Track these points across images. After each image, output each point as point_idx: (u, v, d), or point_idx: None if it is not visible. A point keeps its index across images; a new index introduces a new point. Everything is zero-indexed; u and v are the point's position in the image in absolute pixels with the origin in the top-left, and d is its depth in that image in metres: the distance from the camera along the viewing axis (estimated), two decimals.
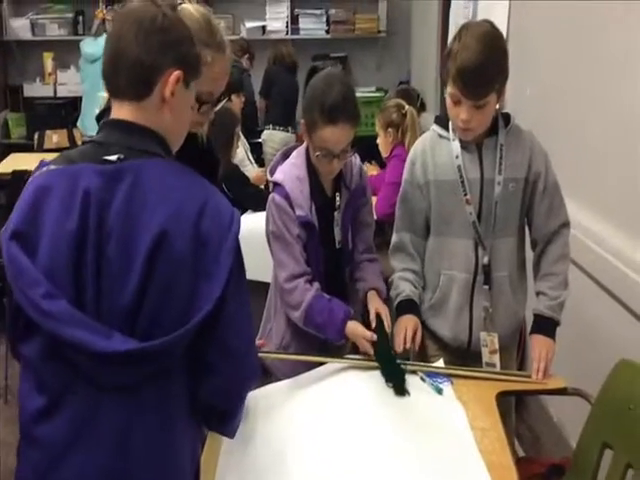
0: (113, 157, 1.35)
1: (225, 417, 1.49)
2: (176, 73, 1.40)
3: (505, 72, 2.09)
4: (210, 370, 1.39)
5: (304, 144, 2.26)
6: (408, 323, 2.20)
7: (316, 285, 2.20)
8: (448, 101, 2.11)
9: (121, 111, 1.41)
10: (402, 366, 2.09)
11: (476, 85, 2.02)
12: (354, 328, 2.16)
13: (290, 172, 2.22)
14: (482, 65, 2.00)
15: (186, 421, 1.41)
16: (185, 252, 1.30)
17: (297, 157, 2.26)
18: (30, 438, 1.37)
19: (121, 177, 1.33)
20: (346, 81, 2.23)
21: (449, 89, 2.08)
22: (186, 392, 1.39)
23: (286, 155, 2.32)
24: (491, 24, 2.11)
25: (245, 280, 1.41)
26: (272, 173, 2.28)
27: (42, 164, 1.40)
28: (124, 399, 1.33)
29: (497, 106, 2.14)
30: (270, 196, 2.23)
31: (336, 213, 2.27)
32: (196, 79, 1.48)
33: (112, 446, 1.33)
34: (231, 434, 1.54)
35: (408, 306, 2.26)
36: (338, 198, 2.27)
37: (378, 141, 4.02)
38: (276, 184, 2.22)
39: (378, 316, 2.20)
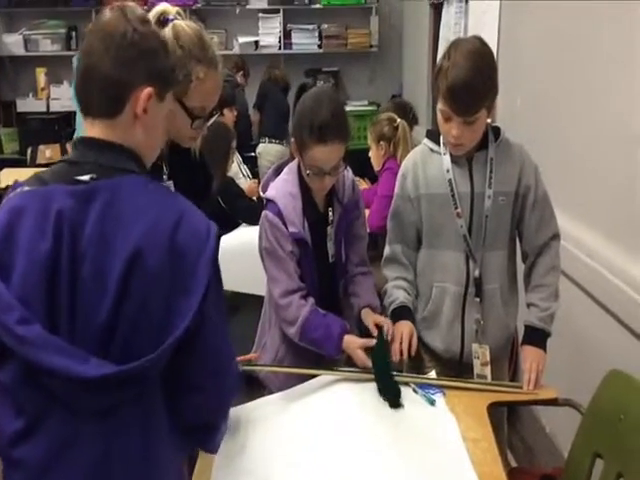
0: (85, 177, 1.34)
1: (208, 433, 1.47)
2: (147, 90, 1.38)
3: (495, 88, 2.11)
4: (191, 387, 1.38)
5: (296, 160, 2.25)
6: (403, 329, 2.20)
7: (311, 300, 2.20)
8: (439, 117, 2.13)
9: (93, 129, 1.39)
10: (397, 380, 2.09)
11: (466, 102, 2.04)
12: (351, 341, 2.16)
13: (282, 188, 2.22)
14: (472, 83, 2.01)
15: (168, 439, 1.39)
16: (161, 267, 1.29)
17: (289, 173, 2.25)
18: (11, 460, 1.35)
19: (94, 197, 1.31)
20: (335, 98, 2.22)
21: (440, 106, 2.10)
22: (165, 409, 1.37)
23: (278, 171, 2.32)
24: (480, 40, 2.13)
25: (222, 293, 1.40)
26: (264, 189, 2.28)
27: (16, 185, 1.38)
28: (103, 423, 1.31)
29: (488, 119, 2.17)
30: (263, 213, 2.23)
31: (329, 228, 2.27)
32: (171, 91, 1.47)
33: (92, 470, 1.31)
34: (214, 450, 1.53)
35: (402, 312, 2.26)
36: (331, 213, 2.27)
37: (370, 154, 4.03)
38: (268, 201, 2.22)
39: (379, 328, 2.20)
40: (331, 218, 2.27)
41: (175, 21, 1.85)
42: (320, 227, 2.26)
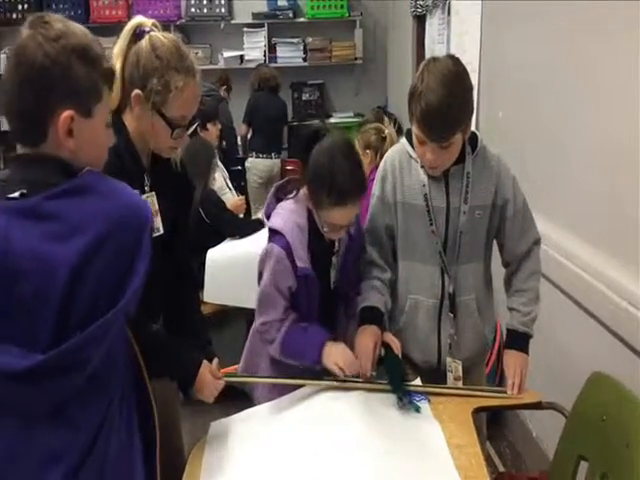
0: (16, 194, 1.32)
1: None
2: (66, 114, 1.34)
3: (469, 111, 2.08)
4: None
5: (303, 190, 2.15)
6: (368, 340, 2.14)
7: (291, 317, 2.17)
8: (414, 139, 2.11)
9: (24, 149, 1.38)
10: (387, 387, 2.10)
11: (439, 129, 2.01)
12: (330, 353, 2.12)
13: (290, 219, 2.14)
14: (445, 109, 1.97)
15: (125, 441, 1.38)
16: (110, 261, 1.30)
17: (297, 202, 2.17)
18: None
19: (25, 214, 1.30)
20: (352, 153, 2.10)
21: (414, 129, 2.07)
22: (127, 415, 1.37)
23: (278, 194, 2.25)
24: (453, 60, 2.08)
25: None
26: (267, 215, 2.21)
27: None
28: (54, 424, 1.29)
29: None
30: (269, 245, 2.14)
31: (334, 257, 2.22)
32: (99, 103, 1.40)
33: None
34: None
35: (370, 314, 2.22)
36: (337, 243, 2.22)
37: None
38: (275, 232, 2.13)
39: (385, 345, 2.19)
40: (337, 248, 2.23)
41: (152, 32, 1.87)
42: (325, 256, 2.21)
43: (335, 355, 2.11)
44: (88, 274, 1.28)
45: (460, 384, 2.24)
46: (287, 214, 2.15)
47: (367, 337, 2.16)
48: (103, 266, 1.29)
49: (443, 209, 2.16)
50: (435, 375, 2.28)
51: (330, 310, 2.29)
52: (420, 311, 2.25)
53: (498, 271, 2.33)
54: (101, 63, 1.40)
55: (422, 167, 2.17)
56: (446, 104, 1.97)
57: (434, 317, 2.24)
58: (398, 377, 2.11)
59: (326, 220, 2.09)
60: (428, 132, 2.03)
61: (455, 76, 2.03)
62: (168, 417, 2.28)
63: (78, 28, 1.39)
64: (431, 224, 2.16)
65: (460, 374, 2.24)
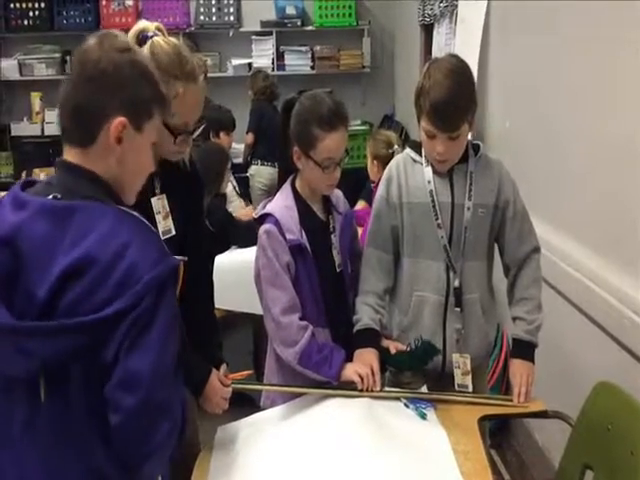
0: (49, 197, 1.37)
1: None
2: (119, 120, 1.38)
3: (474, 102, 2.18)
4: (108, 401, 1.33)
5: (289, 180, 2.26)
6: (368, 356, 2.19)
7: (310, 325, 2.17)
8: (422, 136, 2.18)
9: (69, 153, 1.42)
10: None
11: (450, 119, 2.10)
12: (347, 365, 2.15)
13: (277, 203, 2.23)
14: (454, 100, 2.08)
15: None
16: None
17: (282, 191, 2.26)
18: None
19: (46, 213, 1.34)
20: (327, 92, 2.28)
21: (423, 125, 2.15)
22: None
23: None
24: (457, 58, 2.22)
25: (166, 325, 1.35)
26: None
27: (25, 181, 1.45)
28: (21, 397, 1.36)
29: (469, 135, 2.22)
30: (260, 229, 2.19)
31: (333, 236, 2.27)
32: (150, 121, 1.45)
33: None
34: None
35: (366, 336, 2.25)
36: (332, 221, 2.28)
37: (367, 163, 4.14)
38: (265, 215, 2.20)
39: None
40: (332, 225, 2.28)
41: (154, 38, 1.85)
42: (323, 235, 2.25)
43: (355, 365, 2.16)
44: (74, 285, 1.30)
45: (469, 379, 2.24)
46: (274, 201, 2.25)
47: (366, 354, 2.20)
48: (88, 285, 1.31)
49: (448, 205, 2.22)
50: (439, 378, 2.28)
51: (340, 296, 2.31)
52: (425, 308, 2.27)
53: (500, 280, 2.34)
54: (159, 87, 1.47)
55: (427, 166, 2.23)
56: (454, 94, 2.09)
57: (439, 314, 2.26)
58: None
59: (321, 156, 2.14)
60: (440, 123, 2.11)
61: (460, 70, 2.16)
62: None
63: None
64: (437, 218, 2.21)
65: (469, 368, 2.24)
